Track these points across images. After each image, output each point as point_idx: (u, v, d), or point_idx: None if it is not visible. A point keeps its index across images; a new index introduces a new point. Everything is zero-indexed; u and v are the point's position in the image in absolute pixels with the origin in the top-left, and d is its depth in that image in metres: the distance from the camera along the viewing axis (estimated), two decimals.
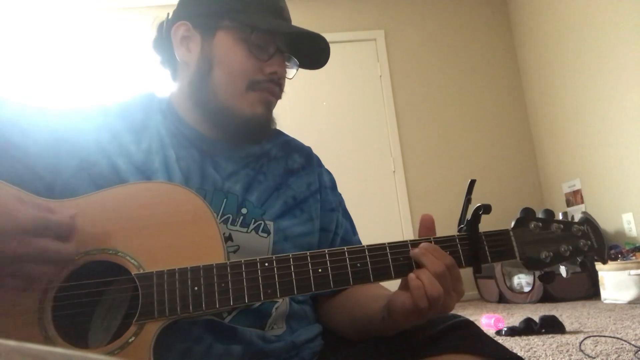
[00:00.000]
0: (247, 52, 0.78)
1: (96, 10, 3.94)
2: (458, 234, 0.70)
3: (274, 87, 0.81)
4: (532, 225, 0.72)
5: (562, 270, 0.72)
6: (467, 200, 0.71)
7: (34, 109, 0.76)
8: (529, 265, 0.70)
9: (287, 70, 0.86)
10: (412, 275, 0.64)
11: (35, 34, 3.85)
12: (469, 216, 0.69)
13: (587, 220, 0.74)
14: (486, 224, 0.66)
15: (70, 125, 0.76)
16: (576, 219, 0.75)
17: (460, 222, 0.70)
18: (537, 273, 0.72)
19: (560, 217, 0.74)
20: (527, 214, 0.72)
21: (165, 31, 0.85)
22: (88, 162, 0.72)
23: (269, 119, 0.82)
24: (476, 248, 0.68)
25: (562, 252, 0.71)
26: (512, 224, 0.72)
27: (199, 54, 0.80)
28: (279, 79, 0.82)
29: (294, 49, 0.84)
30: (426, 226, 0.69)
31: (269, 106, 0.82)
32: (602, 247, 0.73)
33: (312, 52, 0.86)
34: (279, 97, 0.84)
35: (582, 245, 0.72)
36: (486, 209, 0.68)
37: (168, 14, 0.86)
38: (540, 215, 0.73)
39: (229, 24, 0.79)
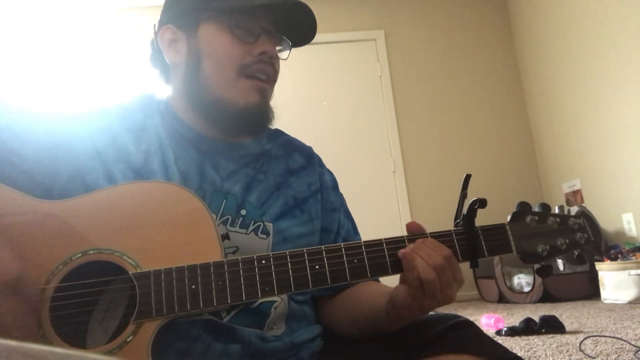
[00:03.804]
0: (232, 38, 0.77)
1: (96, 10, 3.94)
2: (454, 228, 0.69)
3: (266, 67, 0.79)
4: (528, 218, 0.72)
5: (559, 263, 0.72)
6: (463, 195, 0.71)
7: (31, 114, 0.76)
8: (526, 258, 0.70)
9: (280, 53, 0.84)
10: (406, 255, 0.64)
11: (35, 33, 3.85)
12: (465, 211, 0.69)
13: (584, 213, 0.74)
14: (485, 222, 0.65)
15: (68, 130, 0.75)
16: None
17: (457, 217, 0.70)
18: (535, 266, 0.72)
19: (557, 211, 0.74)
20: (523, 208, 0.72)
21: (155, 43, 0.85)
22: (84, 169, 0.72)
23: (264, 108, 0.81)
24: (473, 242, 0.68)
25: (559, 245, 0.71)
26: (509, 217, 0.72)
27: (187, 52, 0.80)
28: (270, 58, 0.80)
29: (279, 26, 0.82)
30: (413, 232, 0.69)
31: (263, 93, 0.80)
32: (599, 240, 0.73)
33: (299, 25, 0.84)
34: (273, 79, 0.83)
35: (579, 239, 0.72)
36: (482, 203, 0.68)
37: (154, 25, 0.86)
38: (536, 209, 0.73)
39: (208, 14, 0.79)
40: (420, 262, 0.63)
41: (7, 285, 0.54)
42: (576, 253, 0.72)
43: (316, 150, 0.95)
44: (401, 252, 0.65)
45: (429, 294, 0.63)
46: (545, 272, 0.71)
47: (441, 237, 0.68)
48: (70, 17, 3.91)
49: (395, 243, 0.67)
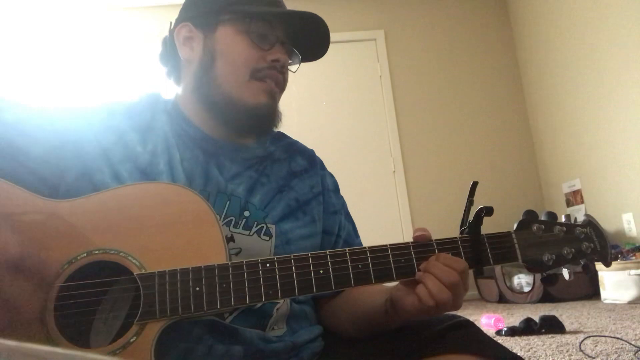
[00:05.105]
0: (249, 42, 0.80)
1: (97, 10, 3.94)
2: (460, 236, 0.69)
3: (277, 75, 0.82)
4: (534, 227, 0.71)
5: (565, 272, 0.71)
6: (469, 202, 0.70)
7: (38, 112, 0.76)
8: (531, 267, 0.70)
9: (290, 66, 0.86)
10: (420, 286, 0.64)
11: (37, 33, 3.85)
12: (471, 218, 0.69)
13: (590, 222, 0.73)
14: (486, 224, 0.66)
15: (75, 128, 0.76)
16: (579, 221, 0.74)
17: (463, 224, 0.70)
18: (540, 275, 0.72)
19: (563, 220, 0.74)
20: (529, 216, 0.72)
21: (169, 39, 0.86)
22: (91, 168, 0.72)
23: (273, 110, 0.82)
24: (478, 250, 0.68)
25: (565, 254, 0.71)
26: (515, 226, 0.72)
27: (202, 50, 0.82)
28: (282, 67, 0.82)
29: (293, 39, 0.85)
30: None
31: (273, 96, 0.82)
32: (605, 249, 0.72)
33: (312, 40, 0.87)
34: (282, 87, 0.84)
35: (585, 248, 0.72)
36: (488, 211, 0.68)
37: (171, 22, 0.87)
38: (542, 217, 0.73)
39: (228, 17, 0.81)
40: (434, 283, 0.63)
41: (7, 262, 0.54)
42: (582, 263, 0.71)
43: (316, 151, 0.96)
44: (418, 276, 0.66)
45: (442, 309, 0.64)
46: (550, 281, 0.71)
47: (446, 244, 0.68)
48: (73, 16, 3.91)
49: (400, 249, 0.67)
